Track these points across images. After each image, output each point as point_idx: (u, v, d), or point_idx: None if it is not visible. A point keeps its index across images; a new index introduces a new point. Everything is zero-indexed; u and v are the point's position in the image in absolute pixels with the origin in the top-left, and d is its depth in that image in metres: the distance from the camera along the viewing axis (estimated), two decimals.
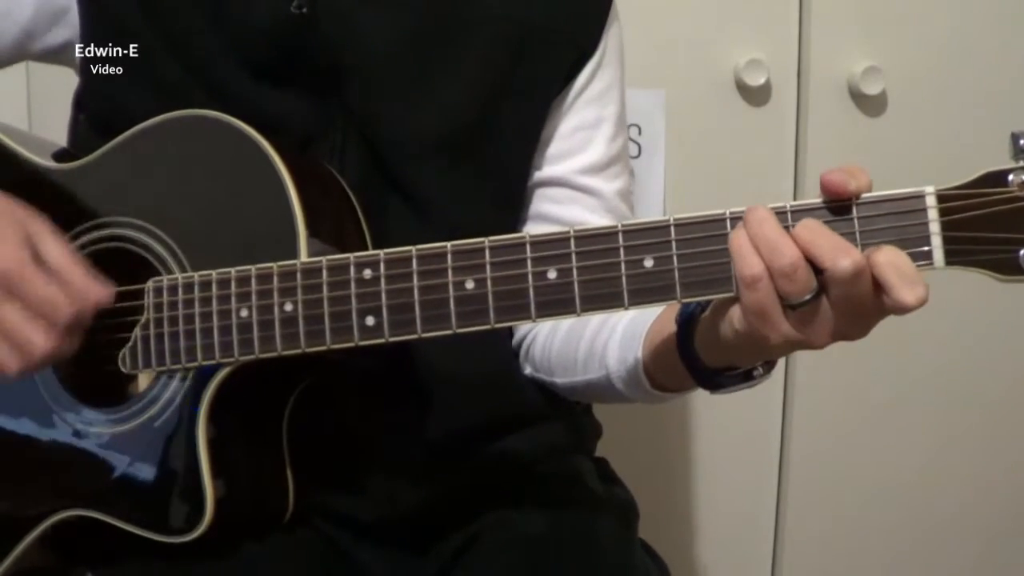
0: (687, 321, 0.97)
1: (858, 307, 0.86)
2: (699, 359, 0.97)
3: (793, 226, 0.86)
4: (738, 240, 0.87)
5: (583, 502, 1.24)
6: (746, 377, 0.97)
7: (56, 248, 1.01)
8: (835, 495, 1.93)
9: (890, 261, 0.83)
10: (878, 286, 0.84)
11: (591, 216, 1.24)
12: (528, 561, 1.17)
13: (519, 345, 1.28)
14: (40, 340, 0.99)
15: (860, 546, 1.96)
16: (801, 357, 1.85)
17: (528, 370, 1.27)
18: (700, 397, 1.83)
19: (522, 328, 1.28)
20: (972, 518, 1.98)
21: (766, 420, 1.90)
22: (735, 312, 0.89)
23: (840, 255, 0.84)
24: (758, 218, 0.86)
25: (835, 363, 1.84)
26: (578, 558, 1.17)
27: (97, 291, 1.01)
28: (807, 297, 0.85)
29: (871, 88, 1.77)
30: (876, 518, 1.95)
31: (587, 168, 1.25)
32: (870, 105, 1.81)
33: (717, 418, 1.89)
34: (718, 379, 0.98)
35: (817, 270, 0.85)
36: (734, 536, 1.94)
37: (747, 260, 0.86)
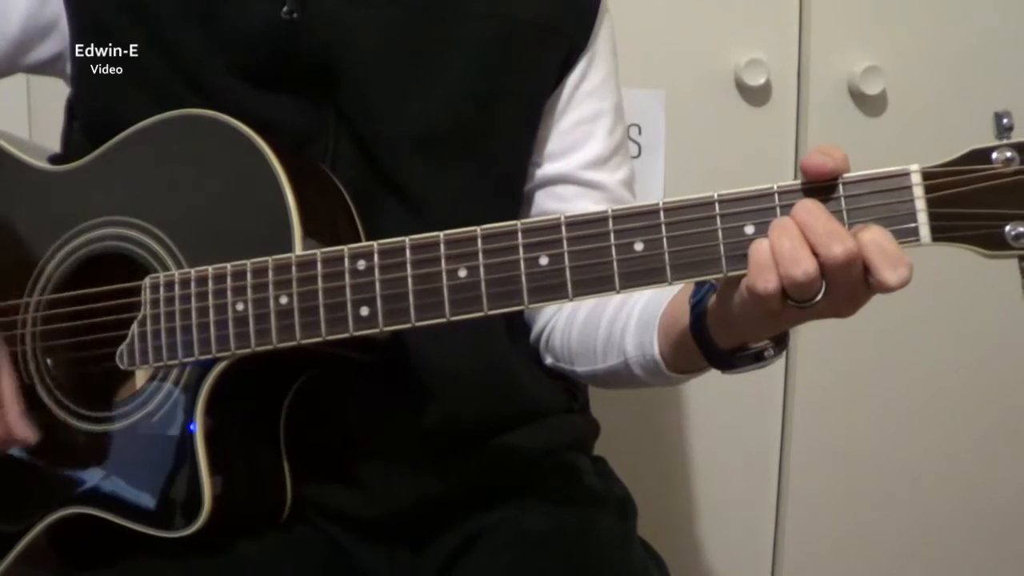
0: (699, 302, 0.99)
1: (850, 290, 0.87)
2: (712, 340, 0.99)
3: (785, 208, 0.88)
4: (760, 251, 0.88)
5: (582, 499, 1.24)
6: (757, 358, 0.99)
7: (5, 383, 1.08)
8: (835, 492, 1.93)
9: (874, 239, 0.85)
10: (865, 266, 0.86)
11: (598, 208, 1.24)
12: (527, 559, 1.16)
13: (538, 337, 1.30)
14: None
15: (860, 544, 1.96)
16: (801, 355, 1.85)
17: (549, 360, 1.28)
18: (698, 395, 1.84)
19: (540, 321, 1.29)
20: (974, 516, 1.98)
21: (766, 418, 1.90)
22: (739, 294, 0.91)
23: (833, 241, 0.85)
24: (780, 226, 0.88)
25: (835, 360, 1.84)
26: (578, 556, 1.17)
27: (21, 433, 1.09)
28: (817, 299, 0.87)
29: (871, 88, 1.77)
30: (876, 516, 1.95)
31: (591, 162, 1.26)
32: (870, 105, 1.81)
33: (716, 416, 1.88)
34: (731, 359, 1.00)
35: None
36: (733, 534, 1.94)
37: (764, 275, 0.87)
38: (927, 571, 1.98)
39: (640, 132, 1.74)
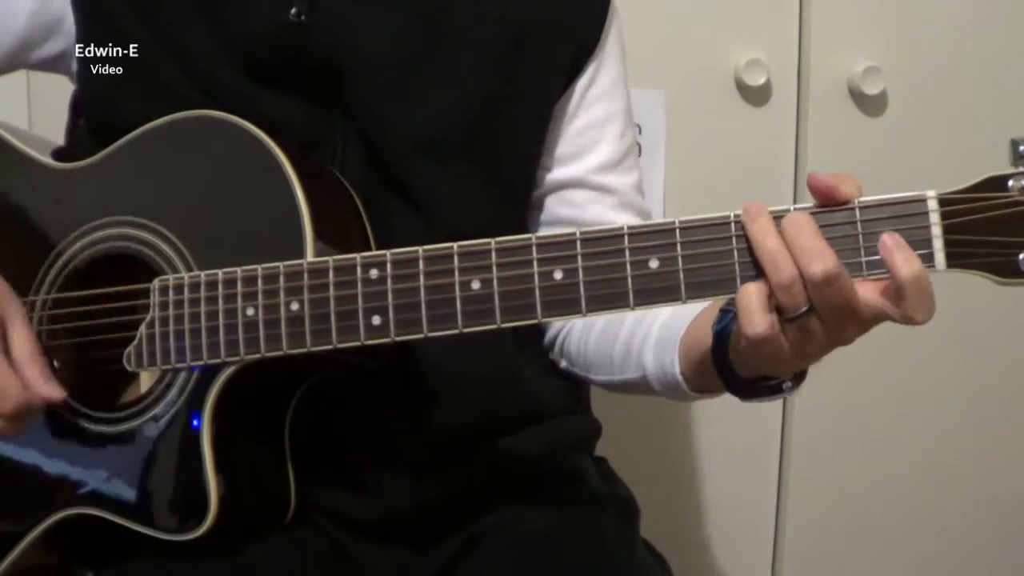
0: (723, 329, 0.98)
1: (834, 311, 0.87)
2: (733, 370, 0.99)
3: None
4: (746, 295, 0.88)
5: (585, 500, 1.24)
6: (775, 390, 0.98)
7: (22, 338, 1.04)
8: (835, 493, 1.93)
9: (919, 279, 0.85)
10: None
11: (611, 214, 1.25)
12: (530, 559, 1.16)
13: (552, 341, 1.30)
14: None
15: (860, 544, 1.96)
16: None
17: (564, 364, 1.29)
18: None
19: (554, 324, 1.29)
20: (973, 516, 1.99)
21: (766, 418, 1.91)
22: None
23: (813, 260, 0.85)
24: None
25: (836, 362, 1.84)
26: (581, 556, 1.17)
27: (47, 389, 1.04)
28: (802, 310, 0.87)
29: (871, 88, 1.78)
30: (877, 516, 1.96)
31: (602, 166, 1.26)
32: (870, 105, 1.81)
33: (717, 416, 1.89)
34: (749, 390, 1.00)
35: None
36: (734, 534, 1.95)
37: (751, 317, 0.88)
38: (927, 571, 1.99)
39: (640, 132, 1.73)
